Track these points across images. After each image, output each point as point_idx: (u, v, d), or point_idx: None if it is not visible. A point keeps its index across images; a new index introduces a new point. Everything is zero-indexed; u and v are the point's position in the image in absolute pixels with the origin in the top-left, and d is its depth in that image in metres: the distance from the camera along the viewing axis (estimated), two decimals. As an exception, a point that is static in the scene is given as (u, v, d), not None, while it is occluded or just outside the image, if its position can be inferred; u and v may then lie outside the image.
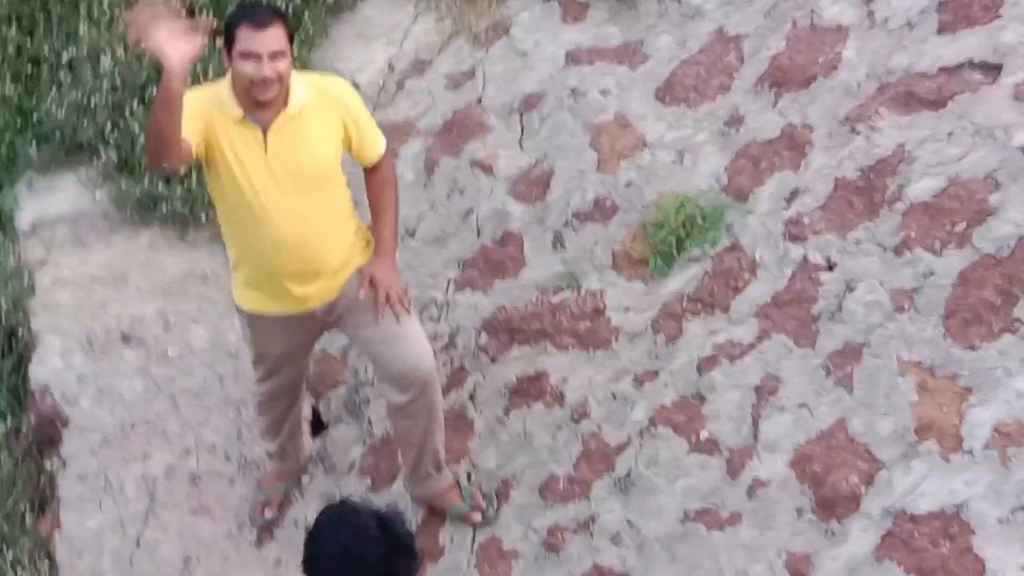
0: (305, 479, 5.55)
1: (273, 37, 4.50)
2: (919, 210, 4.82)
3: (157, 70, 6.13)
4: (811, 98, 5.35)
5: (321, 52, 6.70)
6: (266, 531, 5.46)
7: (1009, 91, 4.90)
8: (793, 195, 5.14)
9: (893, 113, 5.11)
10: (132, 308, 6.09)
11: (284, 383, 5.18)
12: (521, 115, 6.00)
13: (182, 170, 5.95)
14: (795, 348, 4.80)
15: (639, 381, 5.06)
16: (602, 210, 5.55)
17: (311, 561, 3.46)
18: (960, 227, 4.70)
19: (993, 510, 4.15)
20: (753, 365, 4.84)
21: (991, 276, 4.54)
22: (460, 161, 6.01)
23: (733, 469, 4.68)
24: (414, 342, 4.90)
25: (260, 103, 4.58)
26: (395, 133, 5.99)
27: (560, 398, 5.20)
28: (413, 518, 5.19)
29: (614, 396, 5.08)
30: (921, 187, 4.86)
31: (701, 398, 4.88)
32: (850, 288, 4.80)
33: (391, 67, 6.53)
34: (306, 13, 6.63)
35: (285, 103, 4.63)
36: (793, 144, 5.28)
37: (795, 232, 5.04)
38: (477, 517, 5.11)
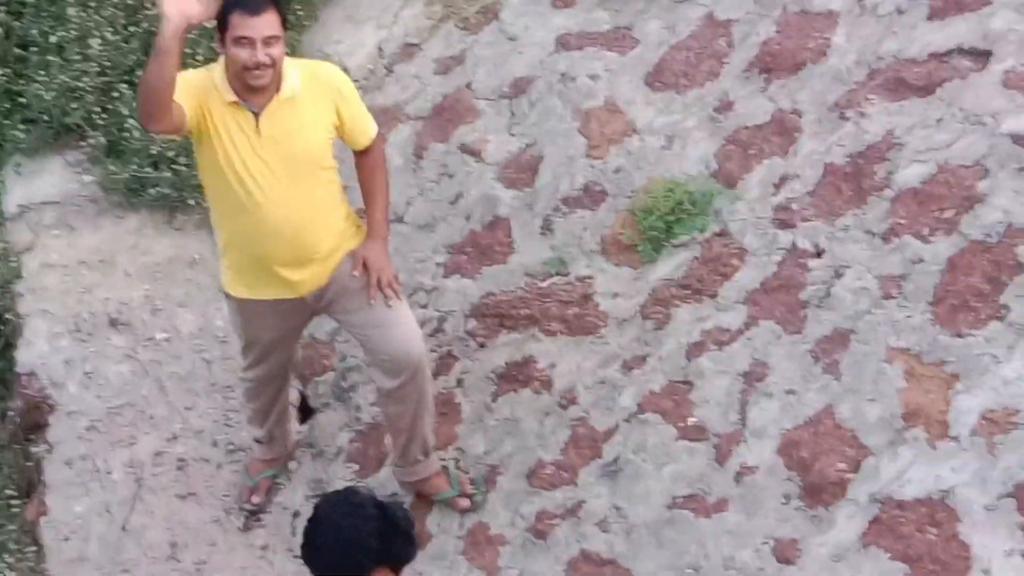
0: (292, 465, 5.54)
1: (267, 23, 4.50)
2: (908, 196, 4.81)
3: (146, 53, 6.14)
4: (800, 84, 5.34)
5: (311, 35, 6.68)
6: (253, 517, 5.46)
7: (998, 78, 4.89)
8: (782, 181, 5.14)
9: (882, 99, 5.10)
10: (119, 292, 6.07)
11: (272, 369, 5.16)
12: (511, 100, 5.98)
13: (177, 140, 5.91)
14: (783, 334, 4.79)
15: (627, 367, 5.05)
16: (591, 195, 5.54)
17: (308, 538, 3.45)
18: (948, 214, 4.70)
19: (979, 497, 4.15)
20: (741, 351, 4.84)
21: (979, 263, 4.54)
22: (449, 146, 6.00)
23: (720, 455, 4.68)
24: (404, 327, 4.90)
25: (253, 88, 4.58)
26: (384, 118, 5.98)
27: (548, 384, 5.19)
28: (395, 494, 5.19)
29: (602, 382, 5.08)
30: (910, 173, 4.86)
31: (689, 384, 4.88)
32: (838, 274, 4.80)
33: (380, 51, 6.52)
34: (296, -4, 6.62)
35: (278, 88, 4.63)
36: (782, 130, 5.27)
37: (784, 218, 5.04)
38: (464, 503, 5.11)
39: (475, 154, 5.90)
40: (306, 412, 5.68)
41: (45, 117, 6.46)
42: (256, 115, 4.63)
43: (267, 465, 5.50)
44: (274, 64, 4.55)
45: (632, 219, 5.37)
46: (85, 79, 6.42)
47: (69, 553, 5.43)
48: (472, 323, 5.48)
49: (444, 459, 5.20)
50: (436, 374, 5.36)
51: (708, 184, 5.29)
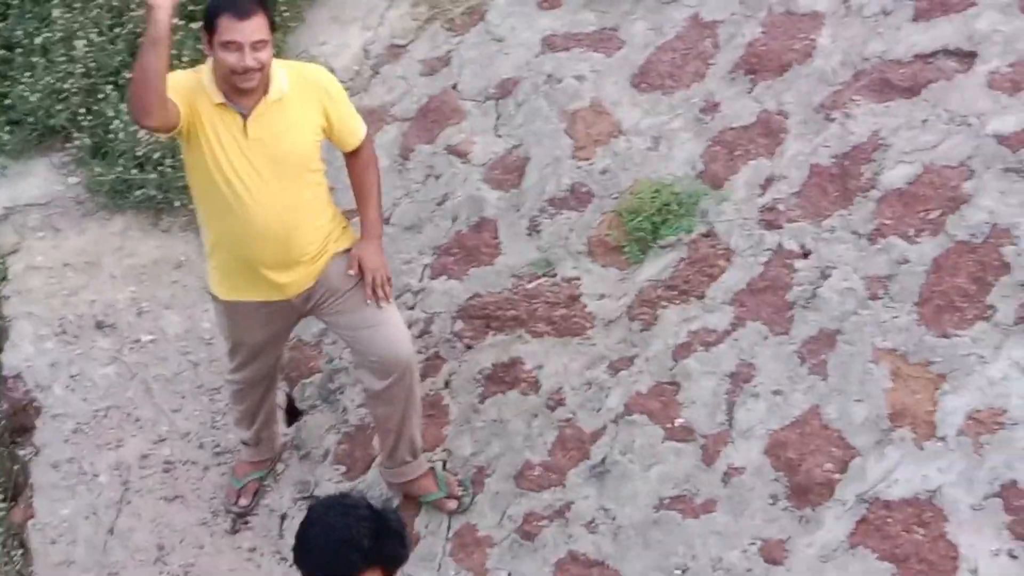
0: (279, 467, 5.53)
1: (255, 27, 4.48)
2: (893, 197, 4.83)
3: (131, 54, 6.13)
4: (786, 85, 5.36)
5: (296, 36, 6.67)
6: (240, 519, 5.44)
7: (983, 79, 4.92)
8: (768, 182, 5.15)
9: (868, 100, 5.12)
10: (105, 294, 6.06)
11: (259, 371, 5.16)
12: (497, 101, 5.99)
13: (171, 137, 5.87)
14: (769, 335, 4.80)
15: (614, 368, 5.06)
16: (577, 197, 5.54)
17: (300, 538, 3.45)
18: (934, 214, 4.72)
19: (966, 497, 4.17)
20: (728, 352, 4.85)
21: (965, 263, 4.56)
22: (435, 147, 6.00)
23: (708, 456, 4.69)
24: (393, 328, 4.90)
25: (241, 90, 4.58)
26: (370, 119, 5.94)
27: (535, 385, 5.19)
28: (388, 499, 5.18)
29: (589, 383, 5.08)
30: (895, 174, 4.88)
31: (676, 385, 4.88)
32: (824, 275, 4.81)
33: (366, 52, 6.51)
34: (282, -4, 6.61)
35: (266, 90, 4.62)
36: (768, 131, 5.28)
37: (770, 219, 5.05)
38: (452, 504, 5.11)
39: (461, 155, 5.90)
40: (293, 414, 5.67)
41: (30, 119, 6.45)
42: (244, 117, 4.62)
43: (254, 467, 5.49)
44: (262, 68, 4.54)
45: (618, 220, 5.38)
46: (70, 80, 6.40)
47: (56, 556, 5.41)
48: (459, 325, 5.48)
49: (432, 460, 5.20)
50: (423, 376, 5.35)
51: (694, 185, 5.30)
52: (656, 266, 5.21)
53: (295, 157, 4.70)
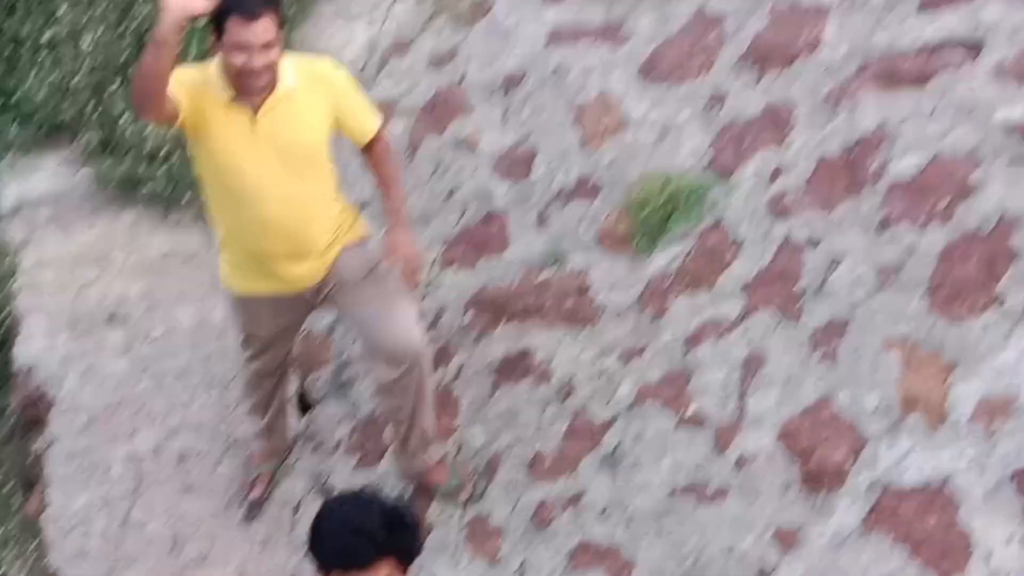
0: (292, 458, 5.56)
1: (264, 27, 4.45)
2: (902, 187, 4.86)
3: (138, 50, 6.15)
4: (793, 76, 5.38)
5: (302, 31, 6.68)
6: (253, 510, 5.47)
7: (990, 68, 4.94)
8: (776, 173, 5.18)
9: (875, 91, 5.14)
10: (116, 288, 6.08)
11: (272, 363, 5.18)
12: (504, 94, 6.01)
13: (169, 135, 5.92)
14: (780, 324, 4.83)
15: (625, 358, 5.09)
16: (586, 188, 5.57)
17: (315, 529, 3.49)
18: (943, 204, 4.74)
19: (978, 483, 4.21)
20: (738, 342, 4.88)
21: (974, 252, 4.59)
22: (443, 140, 6.02)
23: (720, 444, 4.72)
24: (404, 319, 4.92)
25: (249, 86, 4.58)
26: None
27: (546, 375, 5.22)
28: (401, 495, 5.22)
29: (600, 373, 5.11)
30: (904, 164, 4.90)
31: (687, 374, 4.91)
32: (834, 265, 4.84)
33: (373, 46, 6.53)
34: (287, -9, 6.62)
35: (274, 85, 4.62)
36: (776, 122, 5.30)
37: (779, 209, 5.08)
38: (465, 494, 5.14)
39: (469, 148, 5.92)
40: (305, 405, 5.70)
41: (38, 115, 6.47)
42: (253, 112, 4.63)
43: (266, 459, 5.52)
44: (271, 68, 4.54)
45: (627, 212, 5.40)
46: (78, 76, 6.42)
47: (71, 547, 5.44)
48: (469, 316, 5.51)
49: (444, 451, 5.23)
50: (434, 367, 5.38)
51: (702, 176, 5.33)
52: (665, 257, 5.23)
53: (304, 151, 4.71)
